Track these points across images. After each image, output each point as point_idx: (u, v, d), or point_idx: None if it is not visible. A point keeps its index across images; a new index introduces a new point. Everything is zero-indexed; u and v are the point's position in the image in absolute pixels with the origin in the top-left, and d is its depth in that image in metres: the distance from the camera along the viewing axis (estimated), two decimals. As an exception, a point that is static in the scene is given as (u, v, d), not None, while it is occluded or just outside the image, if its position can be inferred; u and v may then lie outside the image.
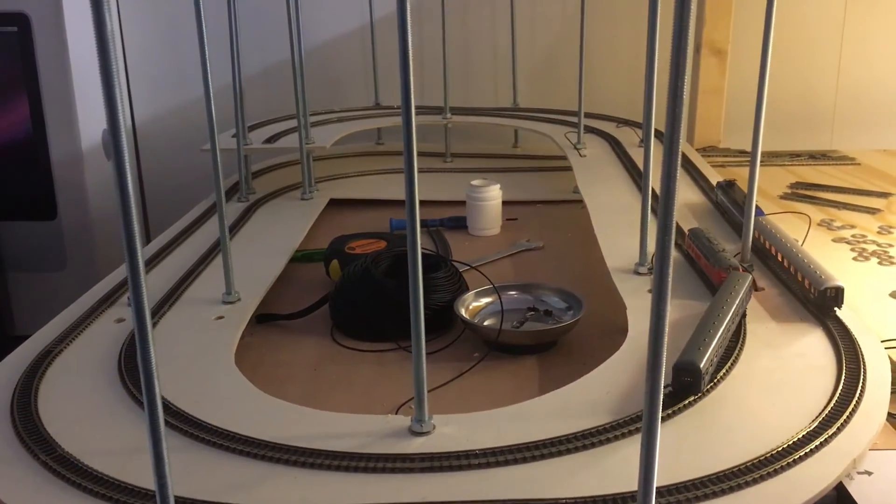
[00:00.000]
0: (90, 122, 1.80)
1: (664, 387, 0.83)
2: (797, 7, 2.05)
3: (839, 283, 1.00)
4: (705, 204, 1.44)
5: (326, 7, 2.06)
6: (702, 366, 0.83)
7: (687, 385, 0.83)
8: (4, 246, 1.81)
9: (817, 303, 1.01)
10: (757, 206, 1.21)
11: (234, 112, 1.56)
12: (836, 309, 1.00)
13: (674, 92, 0.53)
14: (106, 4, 0.49)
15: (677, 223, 1.05)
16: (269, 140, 1.71)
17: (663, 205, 0.54)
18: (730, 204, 1.34)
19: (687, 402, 0.83)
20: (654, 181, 1.11)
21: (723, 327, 0.90)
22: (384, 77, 2.01)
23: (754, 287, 1.09)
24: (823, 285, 1.00)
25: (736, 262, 1.08)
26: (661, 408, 0.58)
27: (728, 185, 1.39)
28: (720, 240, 1.15)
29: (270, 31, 2.00)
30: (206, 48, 1.03)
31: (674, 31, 0.49)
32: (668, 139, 0.54)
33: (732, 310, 0.94)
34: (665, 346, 0.56)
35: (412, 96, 0.71)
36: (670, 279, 0.56)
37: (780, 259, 1.13)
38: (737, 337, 0.95)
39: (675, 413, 0.81)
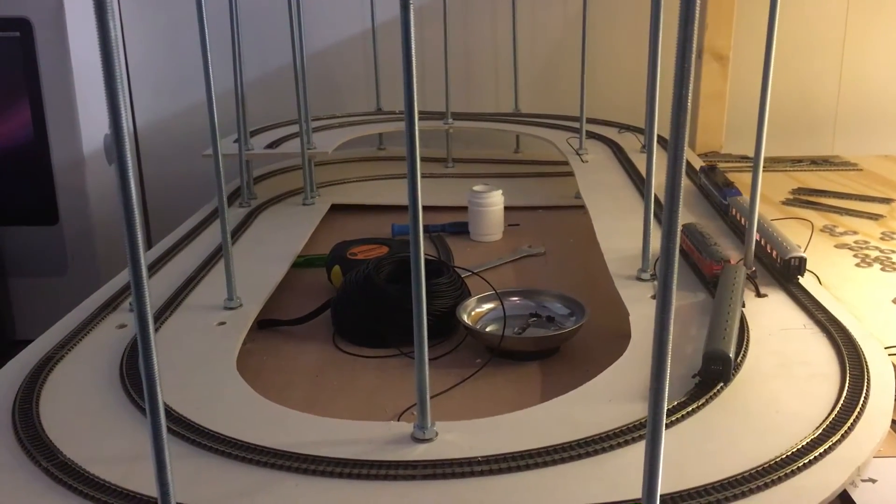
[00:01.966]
0: (92, 126, 1.80)
1: (692, 376, 0.87)
2: (799, 13, 2.06)
3: (803, 254, 1.12)
4: (689, 186, 1.53)
5: (328, 12, 2.06)
6: (731, 354, 0.87)
7: (716, 373, 0.86)
8: (6, 251, 1.81)
9: (782, 271, 1.13)
10: (733, 186, 1.38)
11: (236, 117, 1.56)
12: (798, 277, 1.12)
13: (678, 102, 0.53)
14: (110, 15, 0.49)
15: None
16: (271, 145, 1.71)
17: (667, 213, 0.53)
18: (711, 187, 1.45)
19: (690, 409, 0.83)
20: (657, 186, 1.11)
21: (737, 317, 0.95)
22: (386, 82, 2.02)
23: (757, 293, 1.09)
24: (788, 255, 1.12)
25: (728, 256, 1.12)
26: (665, 415, 0.57)
27: (710, 170, 1.50)
28: (713, 234, 1.21)
29: (272, 37, 2.00)
30: (209, 53, 1.03)
31: (678, 46, 0.49)
32: (672, 149, 0.54)
33: (740, 300, 1.00)
34: (669, 354, 0.56)
35: (415, 102, 0.71)
36: (674, 288, 0.55)
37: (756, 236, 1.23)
38: (740, 344, 0.95)
39: (679, 419, 0.81)
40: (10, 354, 0.99)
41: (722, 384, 0.86)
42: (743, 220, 1.25)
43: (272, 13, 1.97)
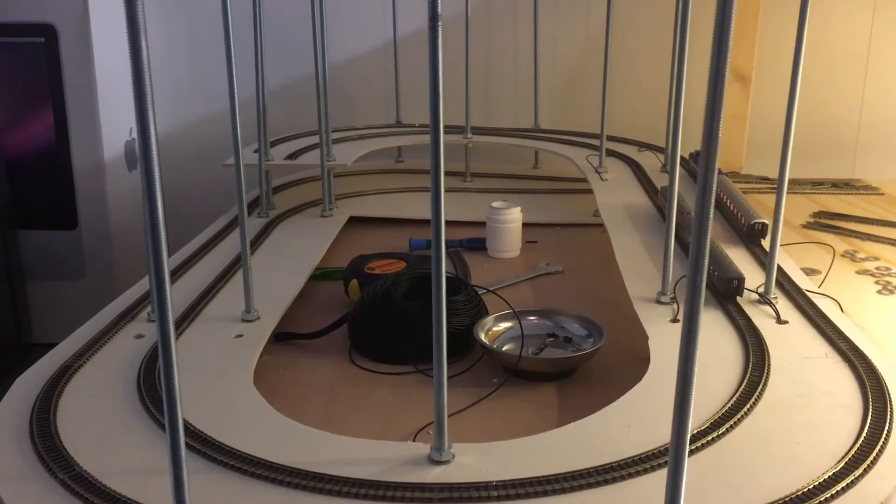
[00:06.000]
0: (113, 133, 1.81)
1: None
2: (822, 35, 2.04)
3: (765, 220, 1.26)
4: (680, 171, 1.59)
5: (350, 24, 2.07)
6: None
7: (734, 290, 1.09)
8: (24, 254, 1.82)
9: (747, 234, 1.30)
10: (719, 171, 1.49)
11: (257, 128, 1.56)
12: (761, 240, 1.28)
13: (709, 128, 0.53)
14: (143, 34, 0.49)
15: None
16: (291, 156, 1.71)
17: (695, 242, 0.53)
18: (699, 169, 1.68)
19: (709, 438, 0.82)
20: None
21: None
22: (406, 95, 2.02)
23: (778, 320, 1.08)
24: (753, 220, 1.28)
25: (689, 208, 1.27)
26: (688, 444, 0.57)
27: (699, 154, 1.61)
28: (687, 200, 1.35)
29: (293, 48, 2.01)
30: (234, 64, 1.03)
31: (710, 76, 0.49)
32: (703, 175, 0.54)
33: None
34: (693, 385, 0.55)
35: (441, 119, 0.71)
36: (700, 318, 0.55)
37: (726, 203, 1.43)
38: (761, 371, 0.94)
39: (700, 447, 0.80)
40: (27, 357, 1.00)
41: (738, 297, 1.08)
42: (725, 198, 1.45)
43: (294, 23, 1.98)
